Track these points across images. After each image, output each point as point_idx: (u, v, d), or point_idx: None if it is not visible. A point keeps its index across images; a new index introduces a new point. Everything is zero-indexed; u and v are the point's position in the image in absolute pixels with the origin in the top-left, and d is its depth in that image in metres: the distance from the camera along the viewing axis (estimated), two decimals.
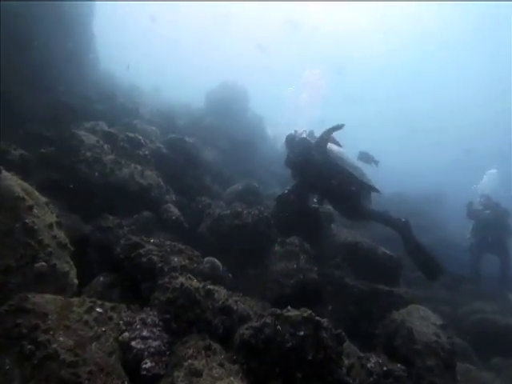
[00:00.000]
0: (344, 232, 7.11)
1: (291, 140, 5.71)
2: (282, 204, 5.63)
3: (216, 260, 4.13)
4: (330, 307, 4.10)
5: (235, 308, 3.03)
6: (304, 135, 5.77)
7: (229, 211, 4.79)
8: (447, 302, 6.67)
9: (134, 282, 3.42)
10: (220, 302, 2.94)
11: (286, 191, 5.64)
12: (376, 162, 6.08)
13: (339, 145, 5.67)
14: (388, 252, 5.84)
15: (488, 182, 12.41)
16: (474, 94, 32.86)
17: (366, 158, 5.99)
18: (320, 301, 4.15)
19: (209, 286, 2.99)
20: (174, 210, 4.98)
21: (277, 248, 4.55)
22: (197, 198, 5.74)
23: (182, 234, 4.95)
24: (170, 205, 5.02)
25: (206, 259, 4.07)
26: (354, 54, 33.37)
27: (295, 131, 5.85)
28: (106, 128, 6.10)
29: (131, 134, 5.72)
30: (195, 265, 3.68)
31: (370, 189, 5.19)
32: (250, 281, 4.35)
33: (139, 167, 5.01)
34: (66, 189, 4.41)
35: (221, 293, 3.07)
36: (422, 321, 3.66)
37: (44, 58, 7.63)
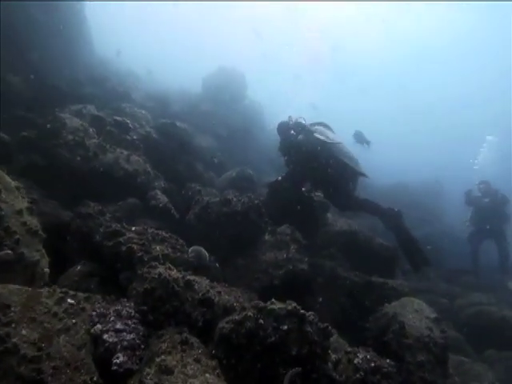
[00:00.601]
0: (340, 221, 6.93)
1: (284, 127, 5.52)
2: (274, 191, 5.44)
3: (202, 249, 3.97)
4: (320, 299, 3.94)
5: (216, 300, 2.87)
6: (301, 121, 5.57)
7: (218, 198, 4.60)
8: (445, 294, 6.54)
9: (113, 272, 3.27)
10: (200, 294, 2.77)
11: (280, 178, 5.45)
12: (368, 143, 5.94)
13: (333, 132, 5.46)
14: (384, 243, 5.69)
15: (487, 152, 12.02)
16: (473, 93, 32.52)
17: (359, 137, 5.85)
18: (310, 292, 4.00)
19: (189, 277, 2.83)
20: (162, 197, 4.79)
21: (267, 237, 4.38)
22: (187, 185, 5.54)
23: (170, 221, 4.78)
24: (157, 191, 4.83)
25: (191, 248, 3.91)
26: (353, 46, 32.84)
27: (289, 117, 5.64)
28: (93, 111, 5.88)
29: (119, 118, 5.49)
30: (179, 254, 3.52)
31: (360, 174, 5.02)
32: (238, 270, 4.20)
33: (125, 152, 4.81)
34: (47, 173, 4.22)
35: (202, 284, 2.91)
36: (416, 314, 3.50)
37: (33, 42, 7.34)
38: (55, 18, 7.72)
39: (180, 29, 32.38)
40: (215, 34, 32.50)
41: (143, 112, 6.67)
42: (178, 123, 6.81)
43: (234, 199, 4.57)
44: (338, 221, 6.88)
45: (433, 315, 3.53)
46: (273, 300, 2.81)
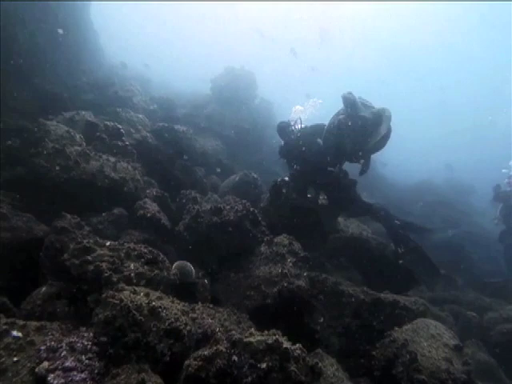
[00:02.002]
0: (353, 226, 6.38)
1: (285, 128, 5.14)
2: (275, 194, 4.98)
3: (188, 264, 3.59)
4: (321, 319, 3.45)
5: (188, 328, 2.47)
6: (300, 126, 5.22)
7: (209, 207, 4.21)
8: (473, 305, 5.78)
9: (83, 294, 2.96)
10: (167, 323, 2.38)
11: (279, 180, 5.00)
12: None
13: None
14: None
15: None
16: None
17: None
18: (310, 312, 3.52)
19: (154, 303, 2.44)
20: (152, 206, 4.46)
21: (262, 248, 3.93)
22: (181, 192, 5.19)
23: (160, 232, 4.44)
24: (146, 200, 4.51)
25: (175, 264, 3.54)
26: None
27: (289, 121, 5.29)
28: (87, 117, 5.67)
29: (110, 123, 5.22)
30: (156, 271, 3.15)
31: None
32: (229, 286, 3.78)
33: (112, 159, 4.52)
34: (27, 185, 3.99)
35: (171, 310, 2.51)
36: (432, 341, 2.95)
37: (31, 50, 7.27)
38: (59, 23, 7.64)
39: (184, 30, 32.78)
40: (217, 34, 32.67)
41: (140, 116, 6.41)
42: (177, 126, 6.49)
43: (227, 207, 4.16)
44: (350, 226, 6.33)
45: (453, 342, 2.96)
46: (251, 330, 2.39)
